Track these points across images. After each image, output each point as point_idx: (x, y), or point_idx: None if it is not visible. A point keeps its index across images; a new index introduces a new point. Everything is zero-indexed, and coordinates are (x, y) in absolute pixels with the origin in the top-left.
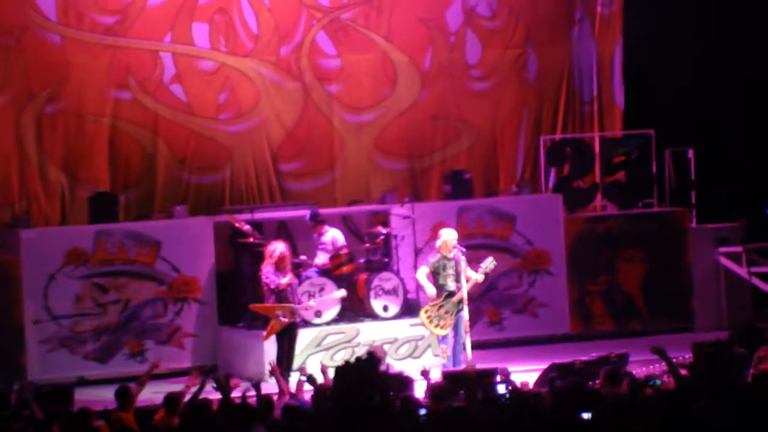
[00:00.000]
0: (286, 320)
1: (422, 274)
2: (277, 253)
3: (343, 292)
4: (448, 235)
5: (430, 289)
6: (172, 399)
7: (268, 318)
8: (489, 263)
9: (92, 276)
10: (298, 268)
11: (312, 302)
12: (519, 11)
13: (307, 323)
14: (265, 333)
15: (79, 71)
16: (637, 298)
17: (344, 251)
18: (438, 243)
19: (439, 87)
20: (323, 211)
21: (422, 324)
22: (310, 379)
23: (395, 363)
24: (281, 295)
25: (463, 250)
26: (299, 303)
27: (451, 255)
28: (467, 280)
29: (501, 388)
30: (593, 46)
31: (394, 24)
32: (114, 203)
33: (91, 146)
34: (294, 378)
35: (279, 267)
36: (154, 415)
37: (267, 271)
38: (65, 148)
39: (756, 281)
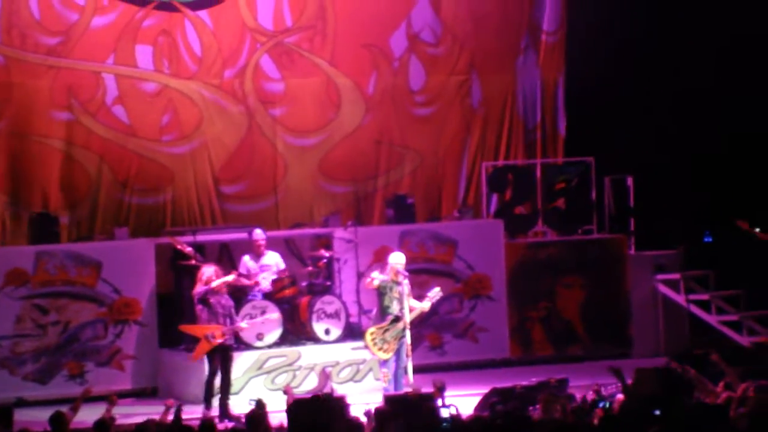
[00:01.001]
0: (216, 341)
1: (375, 276)
2: (205, 277)
3: (276, 314)
4: (395, 259)
5: (371, 282)
6: (102, 425)
7: (198, 339)
8: (435, 293)
9: (32, 297)
10: (239, 292)
11: (244, 324)
12: (463, 38)
13: (248, 346)
14: (193, 353)
15: (22, 92)
16: (576, 323)
17: (251, 276)
18: (388, 267)
19: (382, 112)
20: (266, 234)
21: (366, 345)
22: (259, 405)
23: (337, 387)
24: (211, 314)
25: (406, 274)
26: (231, 324)
27: (398, 279)
28: (411, 309)
29: (444, 412)
30: (537, 74)
31: (338, 49)
32: (55, 224)
33: (32, 167)
34: (235, 401)
35: (210, 290)
36: None
37: (196, 293)
38: (7, 168)
39: (694, 308)
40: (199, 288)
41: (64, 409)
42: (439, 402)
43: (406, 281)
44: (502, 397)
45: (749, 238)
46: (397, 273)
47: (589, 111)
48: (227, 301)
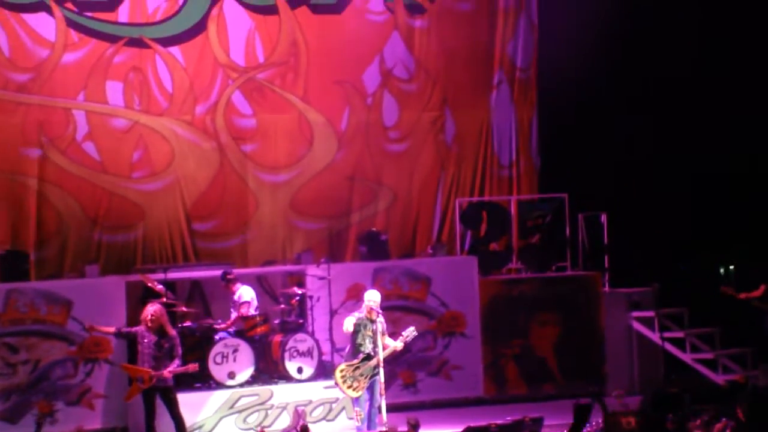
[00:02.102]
0: (143, 386)
1: (349, 321)
2: (148, 316)
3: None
4: (370, 297)
5: (348, 326)
6: None
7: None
8: (410, 332)
9: (2, 335)
10: (210, 331)
11: (167, 370)
12: (436, 74)
13: (219, 385)
14: (125, 395)
15: None
16: (550, 361)
17: (244, 307)
18: (364, 305)
19: (355, 148)
20: (237, 271)
21: (335, 383)
22: None
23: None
24: (141, 355)
25: (380, 312)
26: (164, 365)
27: (373, 317)
28: (385, 348)
29: None
30: (512, 110)
31: (310, 84)
32: (25, 261)
33: (1, 203)
34: None
35: (152, 328)
36: None
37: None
38: None
39: (668, 346)
40: (139, 327)
41: None
42: None
43: (380, 319)
44: None
45: (736, 304)
46: (371, 311)
47: (563, 147)
48: (168, 341)
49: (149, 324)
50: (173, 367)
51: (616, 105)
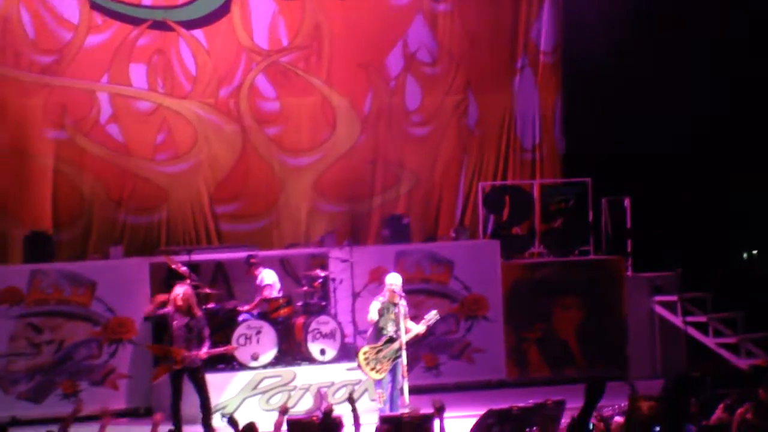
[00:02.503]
0: (174, 367)
1: (374, 307)
2: (179, 298)
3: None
4: (391, 280)
5: (373, 314)
6: None
7: (159, 358)
8: (432, 316)
9: (27, 316)
10: (233, 313)
11: (203, 351)
12: (459, 58)
13: (243, 366)
14: (153, 375)
15: (16, 110)
16: (572, 345)
17: (267, 291)
18: (386, 288)
19: (378, 131)
20: (260, 253)
21: (358, 365)
22: (231, 421)
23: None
24: (174, 337)
25: (403, 295)
26: (194, 350)
27: (396, 300)
28: (407, 331)
29: None
30: (535, 93)
31: (334, 68)
32: (49, 243)
33: (26, 185)
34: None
35: (182, 309)
36: None
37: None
38: (0, 186)
39: (691, 330)
40: (168, 308)
41: (55, 428)
42: (437, 423)
43: (402, 302)
44: (498, 418)
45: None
46: (393, 294)
47: (587, 131)
48: (196, 323)
49: (179, 305)
50: (206, 349)
51: (641, 88)
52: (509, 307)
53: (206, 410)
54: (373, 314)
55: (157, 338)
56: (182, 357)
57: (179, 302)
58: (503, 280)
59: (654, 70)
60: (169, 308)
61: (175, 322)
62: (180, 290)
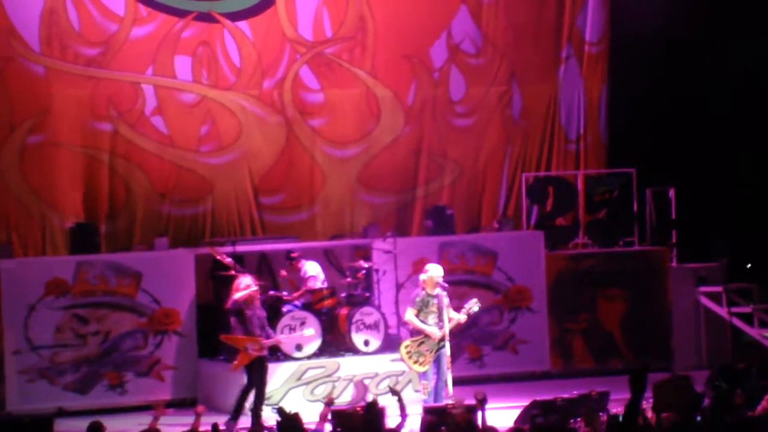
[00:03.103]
0: (255, 353)
1: (412, 317)
2: (242, 286)
3: (312, 331)
4: (435, 272)
5: (433, 331)
6: None
7: (238, 349)
8: (473, 304)
9: (72, 307)
10: (277, 303)
11: (282, 336)
12: (504, 49)
13: (287, 357)
14: (234, 364)
15: (62, 102)
16: (617, 336)
17: (310, 282)
18: (423, 277)
19: (422, 122)
20: (304, 245)
21: (401, 358)
22: (281, 412)
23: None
24: (248, 325)
25: (446, 286)
26: (268, 337)
27: (435, 292)
28: (449, 320)
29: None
30: (580, 84)
31: (378, 59)
32: (95, 234)
33: (72, 177)
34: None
35: (247, 300)
36: None
37: (230, 305)
38: (47, 178)
39: (736, 321)
40: (233, 299)
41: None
42: (479, 414)
43: (444, 293)
44: (542, 409)
45: None
46: (435, 284)
47: (631, 122)
48: (261, 313)
49: (253, 295)
50: (277, 338)
51: (686, 78)
52: (553, 298)
53: (261, 399)
54: (410, 317)
55: (203, 329)
56: (260, 345)
57: (256, 292)
58: (547, 271)
59: (700, 60)
60: (236, 299)
61: (249, 312)
62: (250, 279)
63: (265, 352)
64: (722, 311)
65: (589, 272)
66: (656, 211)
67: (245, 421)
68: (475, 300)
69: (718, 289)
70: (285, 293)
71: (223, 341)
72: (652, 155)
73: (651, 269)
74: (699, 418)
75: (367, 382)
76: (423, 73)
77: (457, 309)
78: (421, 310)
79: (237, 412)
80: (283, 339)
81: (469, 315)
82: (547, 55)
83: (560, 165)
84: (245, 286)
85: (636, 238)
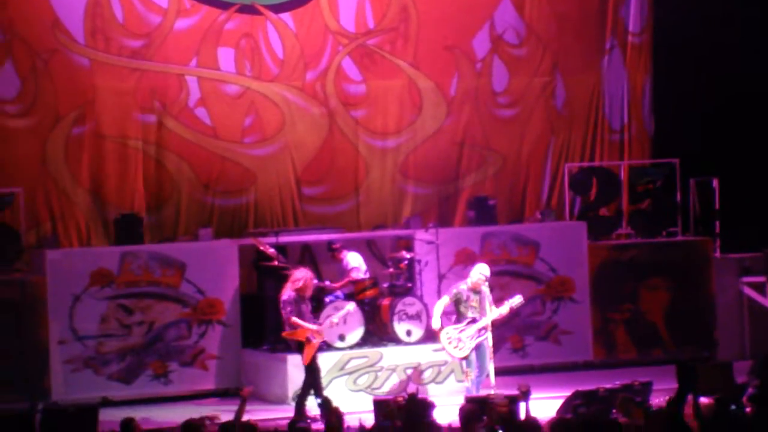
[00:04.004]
0: (317, 341)
1: (440, 303)
2: (301, 283)
3: (353, 305)
4: (483, 270)
5: (435, 322)
6: (191, 426)
7: (302, 343)
8: (516, 300)
9: (117, 297)
10: (321, 293)
11: (335, 319)
12: (547, 39)
13: (330, 347)
14: (304, 357)
15: (106, 94)
16: (660, 326)
17: (353, 273)
18: (472, 276)
19: (464, 113)
20: (347, 235)
21: (441, 345)
22: (325, 403)
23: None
24: (304, 317)
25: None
26: (320, 323)
27: (479, 289)
28: (491, 310)
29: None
30: (624, 75)
31: (420, 50)
32: (139, 225)
33: (116, 168)
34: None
35: (301, 292)
36: None
37: (286, 299)
38: (91, 169)
39: None
40: (288, 293)
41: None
42: (523, 406)
43: (486, 285)
44: (585, 399)
45: None
46: (480, 283)
47: (675, 112)
48: (311, 304)
49: (310, 287)
50: (330, 320)
51: (730, 68)
52: (596, 289)
53: (309, 390)
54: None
55: (247, 319)
56: (319, 332)
57: (308, 286)
58: (590, 261)
59: (744, 50)
60: (292, 291)
61: (303, 305)
62: (305, 273)
63: (324, 339)
64: (765, 301)
65: (632, 262)
66: (700, 201)
67: (289, 410)
68: (519, 296)
69: (762, 279)
70: (327, 282)
71: (286, 337)
72: (696, 145)
73: (694, 259)
74: (734, 407)
75: (409, 372)
76: (465, 63)
77: (498, 301)
78: (461, 302)
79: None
80: (336, 320)
81: (511, 309)
82: (591, 45)
83: (604, 155)
84: (304, 282)
85: (679, 228)
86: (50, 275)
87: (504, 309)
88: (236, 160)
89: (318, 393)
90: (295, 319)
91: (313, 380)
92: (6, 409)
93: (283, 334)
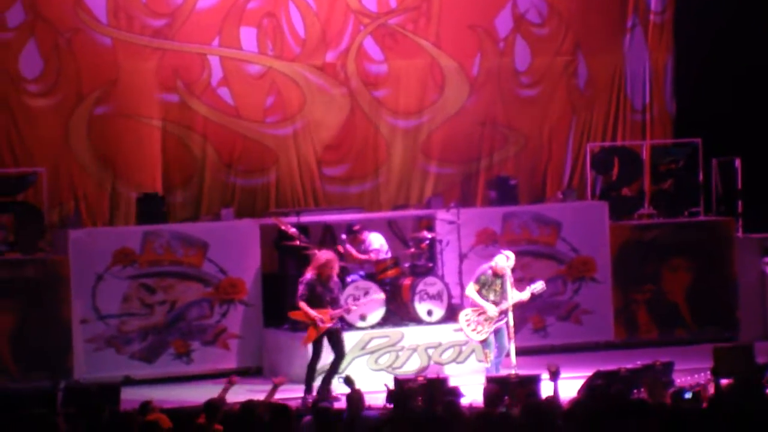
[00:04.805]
0: (325, 326)
1: (473, 292)
2: (322, 261)
3: (382, 295)
4: (508, 261)
5: (490, 308)
6: (212, 406)
7: (307, 324)
8: (538, 286)
9: (140, 276)
10: (343, 272)
11: (353, 306)
12: (569, 18)
13: (351, 326)
14: (305, 338)
15: (128, 73)
16: (682, 306)
17: (375, 253)
18: (496, 263)
19: (487, 93)
20: (368, 215)
21: (460, 327)
22: (348, 381)
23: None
24: (318, 300)
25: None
26: (339, 307)
27: (502, 273)
28: (512, 297)
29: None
30: (646, 54)
31: (442, 30)
32: (162, 204)
33: (139, 148)
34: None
35: (322, 275)
36: (194, 418)
37: (303, 280)
38: (114, 149)
39: None
40: (308, 274)
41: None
42: (552, 386)
43: (509, 272)
44: (606, 379)
45: None
46: (504, 269)
47: (697, 92)
48: (336, 285)
49: (333, 270)
50: (347, 307)
51: (753, 47)
52: (618, 269)
53: (335, 369)
54: (486, 305)
55: (268, 298)
56: (329, 317)
57: (333, 266)
58: (611, 241)
59: (766, 28)
60: (311, 272)
61: (320, 287)
62: (331, 254)
63: (336, 324)
64: None
65: (653, 242)
66: (722, 181)
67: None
68: (541, 282)
69: None
70: (352, 250)
71: (291, 317)
72: (719, 125)
73: (716, 240)
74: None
75: (430, 352)
76: (488, 43)
77: (519, 281)
78: (483, 287)
79: (309, 384)
80: (354, 308)
81: (533, 294)
82: (613, 24)
83: (626, 135)
84: (325, 264)
85: (701, 208)
86: (73, 254)
87: (525, 294)
88: (258, 140)
89: (310, 375)
90: (302, 303)
91: (314, 361)
92: (28, 387)
93: (289, 313)
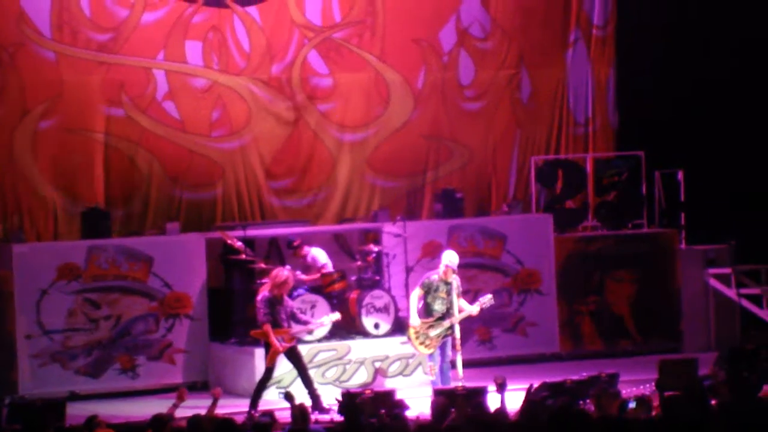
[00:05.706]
0: (287, 345)
1: (414, 296)
2: (282, 280)
3: (337, 316)
4: (451, 258)
5: (414, 319)
6: (159, 421)
7: (268, 343)
8: (487, 299)
9: (84, 291)
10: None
11: (313, 326)
12: (512, 33)
13: (299, 340)
14: (267, 358)
15: (73, 88)
16: (626, 318)
17: (325, 269)
18: (442, 264)
19: (431, 106)
20: (314, 229)
21: (408, 339)
22: (288, 397)
23: (386, 381)
24: (276, 318)
25: (456, 270)
26: (306, 323)
27: (449, 279)
28: (461, 309)
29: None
30: (588, 67)
31: (387, 44)
32: (106, 219)
33: (84, 162)
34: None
35: (275, 295)
36: None
37: (261, 299)
38: (58, 163)
39: (745, 303)
40: (264, 293)
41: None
42: (499, 397)
43: (456, 279)
44: (552, 391)
45: None
46: (449, 272)
47: (639, 104)
48: (289, 303)
49: (288, 287)
50: (310, 326)
51: (694, 61)
52: (562, 281)
53: (309, 381)
54: (412, 315)
55: (214, 313)
56: (290, 336)
57: (290, 284)
58: (556, 253)
59: (707, 41)
60: (269, 291)
61: (279, 306)
62: (289, 272)
63: (294, 342)
64: (731, 293)
65: (598, 255)
66: (665, 193)
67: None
68: (490, 296)
69: (727, 270)
70: (298, 273)
71: (254, 336)
72: (661, 138)
73: (660, 251)
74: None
75: (377, 365)
76: (432, 57)
77: (466, 294)
78: (430, 293)
79: (256, 400)
80: (312, 326)
81: (482, 308)
82: (556, 38)
83: (569, 148)
84: (282, 281)
85: (645, 220)
86: (17, 269)
87: (475, 309)
88: (204, 154)
89: (258, 392)
90: (267, 327)
91: (265, 379)
92: None
93: (252, 332)
